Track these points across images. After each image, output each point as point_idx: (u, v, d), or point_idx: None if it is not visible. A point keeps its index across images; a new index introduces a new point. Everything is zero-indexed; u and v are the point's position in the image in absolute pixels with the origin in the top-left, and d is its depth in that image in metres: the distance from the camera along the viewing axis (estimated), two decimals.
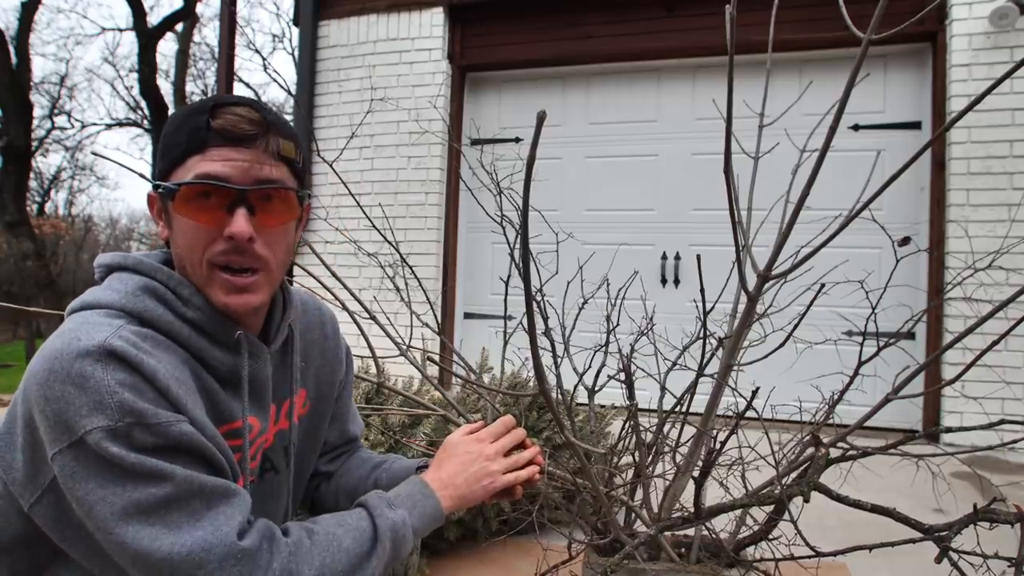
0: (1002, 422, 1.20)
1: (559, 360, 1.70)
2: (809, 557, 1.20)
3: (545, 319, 1.74)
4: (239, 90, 17.69)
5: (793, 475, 1.34)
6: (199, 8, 13.42)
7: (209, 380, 0.86)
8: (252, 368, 0.92)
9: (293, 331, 1.01)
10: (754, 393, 1.14)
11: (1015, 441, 1.22)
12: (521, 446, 1.05)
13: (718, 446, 1.25)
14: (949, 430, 1.26)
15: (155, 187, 0.87)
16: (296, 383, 1.03)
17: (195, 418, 0.79)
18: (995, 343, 1.25)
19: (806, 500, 1.13)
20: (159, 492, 0.73)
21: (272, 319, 0.98)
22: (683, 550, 1.49)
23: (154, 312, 0.82)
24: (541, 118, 0.73)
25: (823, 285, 1.37)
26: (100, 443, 0.71)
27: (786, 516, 1.19)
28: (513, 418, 1.06)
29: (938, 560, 1.04)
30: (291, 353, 1.01)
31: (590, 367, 1.71)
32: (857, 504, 1.12)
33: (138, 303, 0.82)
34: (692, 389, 1.54)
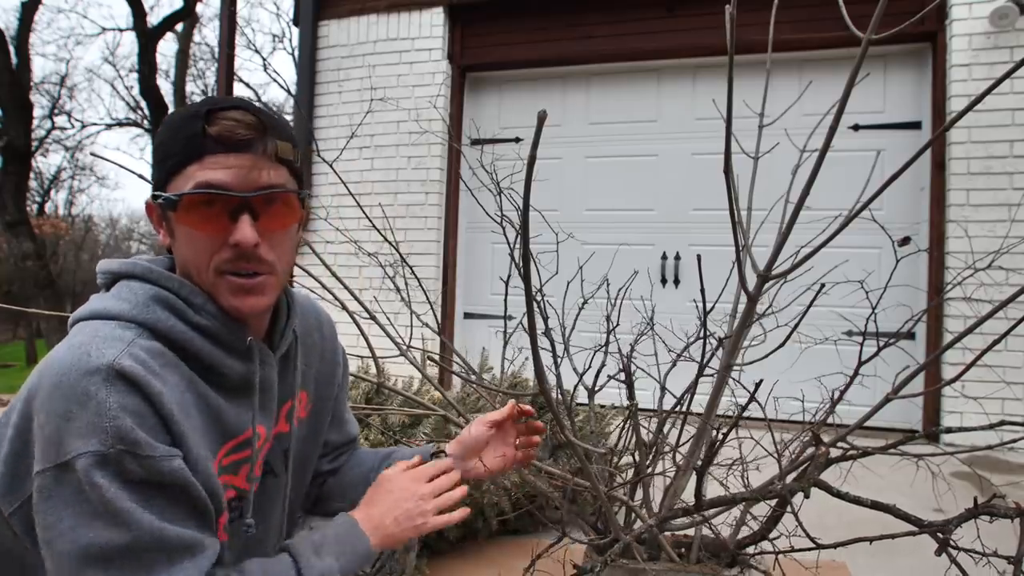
0: (1002, 423, 1.20)
1: (559, 360, 1.70)
2: (810, 549, 1.20)
3: (545, 319, 1.74)
4: (239, 90, 17.70)
5: (794, 474, 1.34)
6: (199, 8, 13.41)
7: (214, 397, 0.85)
8: (261, 375, 0.91)
9: (296, 335, 1.01)
10: (757, 386, 1.14)
11: (1015, 441, 1.22)
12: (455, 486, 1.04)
13: (720, 438, 1.25)
14: (949, 430, 1.26)
15: (153, 197, 0.85)
16: (297, 386, 1.02)
17: (190, 450, 0.77)
18: (995, 343, 1.26)
19: (806, 496, 1.13)
20: (122, 539, 0.71)
21: (277, 324, 0.97)
22: (683, 550, 1.50)
23: (166, 323, 0.81)
24: (542, 118, 0.73)
25: (823, 285, 1.37)
26: (88, 470, 0.70)
27: (787, 510, 1.19)
28: (450, 462, 1.06)
29: (938, 553, 1.04)
30: (293, 357, 1.01)
31: (590, 367, 1.71)
32: (857, 500, 1.12)
33: (149, 314, 0.80)
34: (692, 388, 1.54)
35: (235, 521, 0.90)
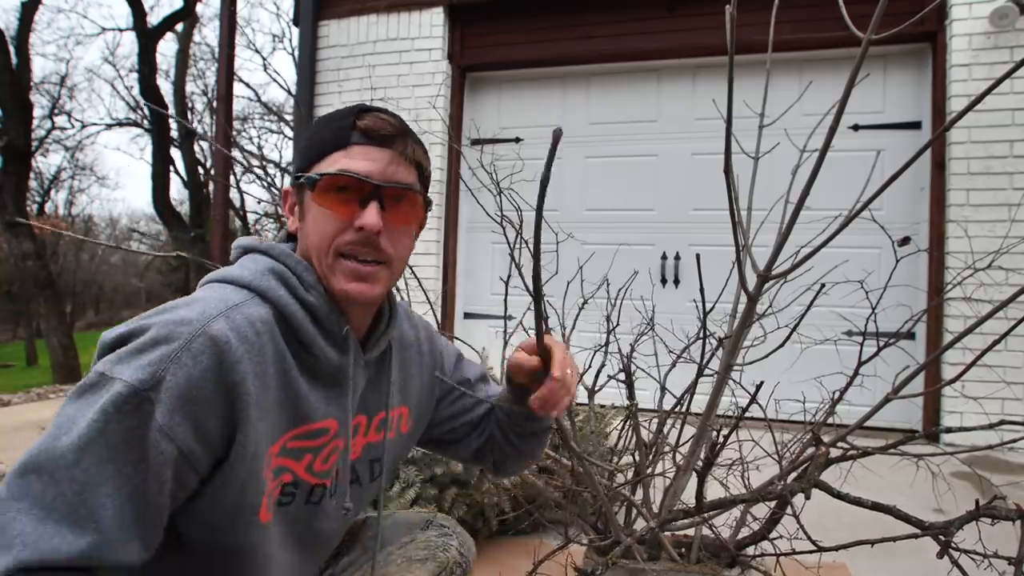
0: (1002, 423, 1.20)
1: None
2: (811, 552, 1.20)
3: (545, 319, 1.74)
4: (239, 90, 17.68)
5: (794, 475, 1.34)
6: (199, 8, 13.42)
7: (299, 379, 0.86)
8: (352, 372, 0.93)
9: (391, 347, 1.02)
10: (758, 387, 1.14)
11: (1015, 441, 1.22)
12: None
13: (721, 439, 1.25)
14: (949, 430, 1.26)
15: (295, 179, 0.92)
16: (392, 398, 1.02)
17: (247, 422, 0.77)
18: (995, 343, 1.25)
19: (807, 497, 1.13)
20: (63, 461, 0.68)
21: (376, 328, 0.98)
22: (683, 550, 1.49)
23: (276, 292, 0.85)
24: (557, 136, 0.72)
25: (823, 285, 1.37)
26: (117, 395, 0.70)
27: (787, 511, 1.19)
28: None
29: (940, 555, 1.04)
30: (388, 366, 1.01)
31: (590, 367, 1.71)
32: (857, 501, 1.12)
33: (263, 281, 0.85)
34: (692, 389, 1.54)
35: (286, 505, 0.89)
